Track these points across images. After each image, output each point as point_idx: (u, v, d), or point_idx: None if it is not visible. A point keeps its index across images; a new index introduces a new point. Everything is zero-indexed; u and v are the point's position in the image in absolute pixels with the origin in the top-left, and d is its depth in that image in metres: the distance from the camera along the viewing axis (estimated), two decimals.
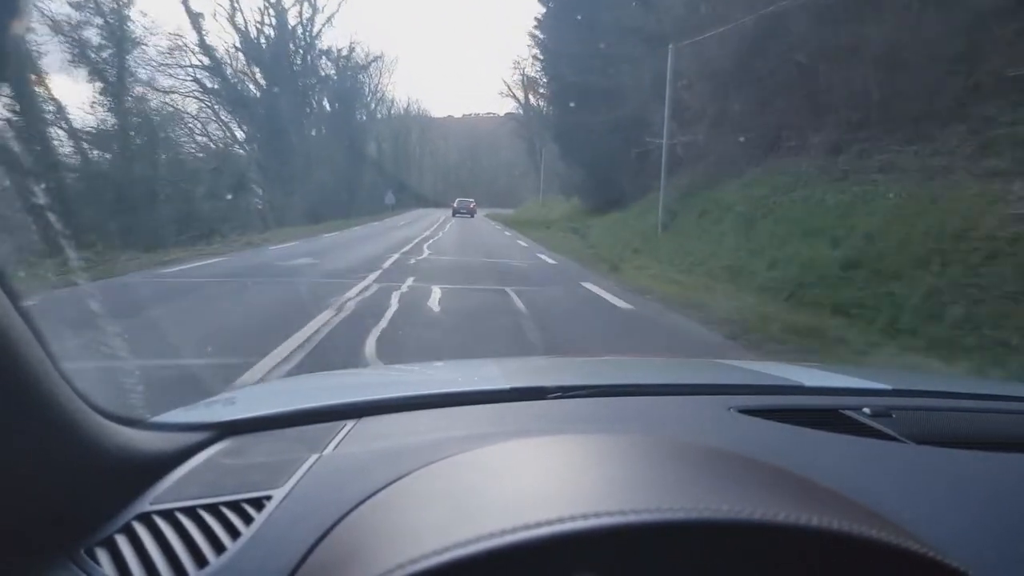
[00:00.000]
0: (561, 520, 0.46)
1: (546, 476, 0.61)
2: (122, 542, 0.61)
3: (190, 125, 32.22)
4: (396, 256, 12.53)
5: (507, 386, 1.06)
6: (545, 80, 32.93)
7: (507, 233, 24.98)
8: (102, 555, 0.59)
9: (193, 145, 30.54)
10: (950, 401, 1.15)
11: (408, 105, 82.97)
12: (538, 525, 0.45)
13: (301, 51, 35.84)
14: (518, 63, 61.78)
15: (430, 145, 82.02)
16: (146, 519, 0.64)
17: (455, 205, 43.85)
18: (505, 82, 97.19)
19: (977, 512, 0.71)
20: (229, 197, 27.42)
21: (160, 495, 0.68)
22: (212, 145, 32.36)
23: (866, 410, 0.95)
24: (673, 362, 2.47)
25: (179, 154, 25.69)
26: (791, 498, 0.56)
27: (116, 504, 0.66)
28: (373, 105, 57.23)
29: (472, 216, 42.48)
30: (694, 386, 1.18)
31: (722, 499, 0.50)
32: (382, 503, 0.60)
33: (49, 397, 0.58)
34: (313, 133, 40.15)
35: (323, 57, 38.27)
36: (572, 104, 26.15)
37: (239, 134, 34.38)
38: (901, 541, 0.49)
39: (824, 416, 0.95)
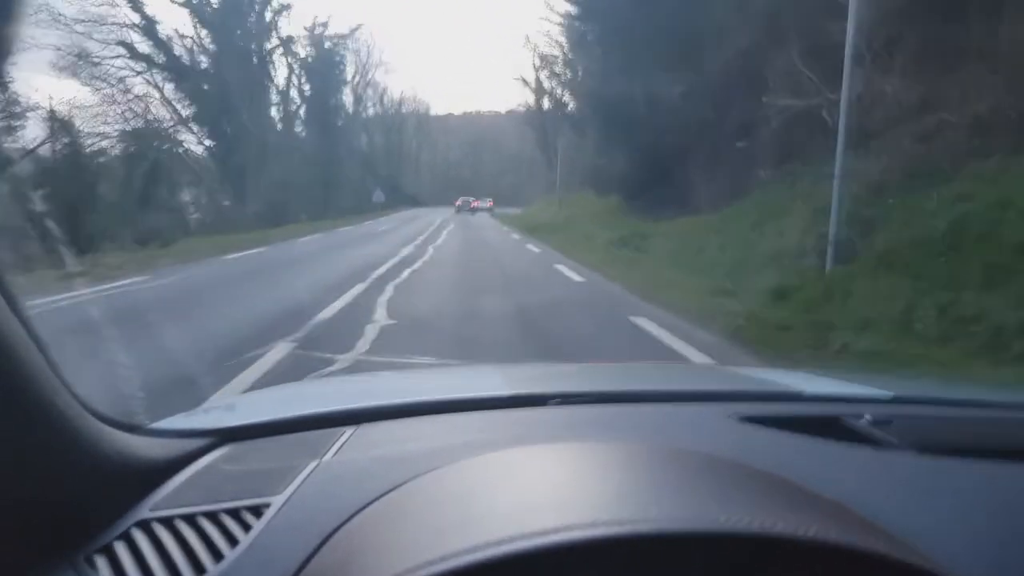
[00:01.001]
0: (560, 529, 0.45)
1: (546, 484, 0.60)
2: (121, 549, 0.60)
3: (123, 104, 24.86)
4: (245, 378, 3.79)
5: (507, 393, 1.05)
6: (578, 32, 25.08)
7: (532, 248, 16.59)
8: (101, 562, 0.59)
9: (113, 128, 23.12)
10: (952, 409, 1.13)
11: (403, 94, 76.23)
12: (538, 534, 0.45)
13: (257, 6, 28.04)
14: (529, 39, 54.24)
15: (428, 140, 75.51)
16: (145, 526, 0.63)
17: (458, 203, 44.97)
18: (520, 75, 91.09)
19: (979, 522, 0.69)
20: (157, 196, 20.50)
21: (159, 502, 0.67)
22: (153, 127, 24.91)
23: (867, 418, 0.92)
24: (674, 369, 2.52)
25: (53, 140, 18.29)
26: (791, 508, 0.56)
27: (115, 511, 0.65)
28: (361, 90, 49.90)
29: (474, 214, 42.11)
30: (695, 393, 1.16)
31: (722, 509, 0.50)
32: (381, 511, 0.60)
33: (48, 403, 0.57)
34: (275, 114, 32.42)
35: (284, 12, 30.32)
36: (618, 64, 18.82)
37: (186, 113, 26.91)
38: (901, 553, 0.49)
39: (825, 424, 0.92)
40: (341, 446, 0.79)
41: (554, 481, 0.61)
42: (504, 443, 0.74)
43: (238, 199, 25.52)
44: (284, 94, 33.29)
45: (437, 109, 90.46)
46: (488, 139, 79.17)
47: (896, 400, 1.10)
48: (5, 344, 0.53)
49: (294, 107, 34.59)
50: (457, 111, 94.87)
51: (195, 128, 25.59)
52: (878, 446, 0.85)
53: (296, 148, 33.14)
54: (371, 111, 57.19)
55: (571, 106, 38.50)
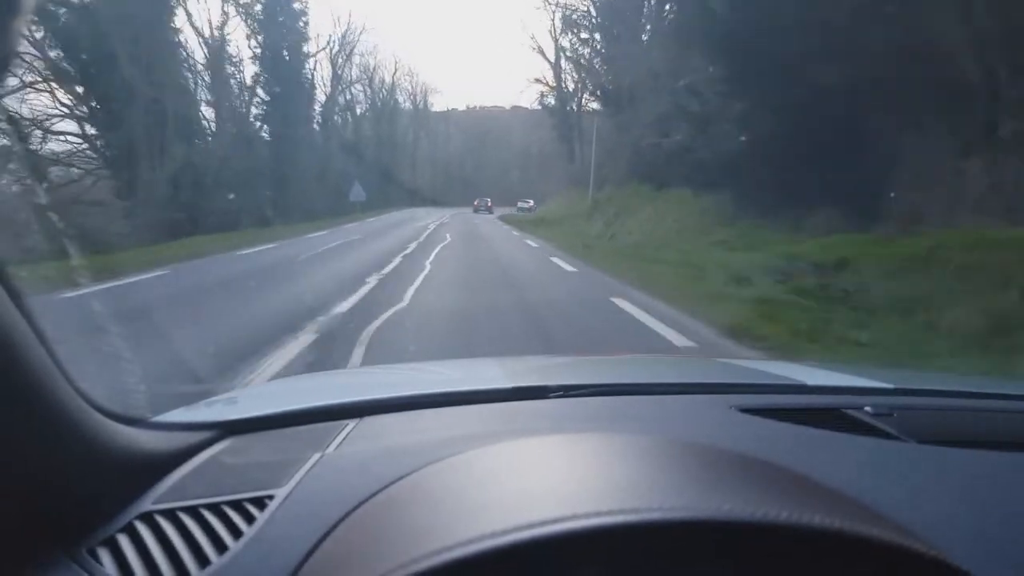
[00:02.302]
0: (562, 519, 0.46)
1: (548, 475, 0.61)
2: (124, 542, 0.60)
3: None
4: None
5: (509, 385, 1.06)
6: None
7: (642, 317, 5.95)
8: (104, 555, 0.59)
9: None
10: (952, 400, 1.13)
11: (396, 73, 67.65)
12: (540, 524, 0.45)
13: None
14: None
15: (427, 131, 67.19)
16: (148, 519, 0.63)
17: (476, 203, 45.02)
18: (536, 44, 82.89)
19: (979, 511, 0.70)
20: None
21: (162, 494, 0.67)
22: None
23: (868, 409, 0.93)
24: (675, 361, 2.44)
25: None
26: (793, 497, 0.56)
27: (118, 503, 0.65)
28: (342, 63, 41.30)
29: (490, 212, 40.97)
30: (696, 385, 1.17)
31: (724, 498, 0.51)
32: (384, 502, 0.60)
33: (51, 396, 0.57)
34: (192, 73, 23.51)
35: None
36: None
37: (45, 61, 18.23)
38: (903, 540, 0.49)
39: (826, 415, 0.94)
40: (344, 439, 0.80)
41: (556, 472, 0.61)
42: (506, 435, 0.75)
43: (122, 195, 16.93)
44: (218, 48, 24.41)
45: (438, 105, 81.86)
46: (492, 134, 72.43)
47: (897, 391, 1.10)
48: (7, 338, 0.52)
49: (231, 68, 25.81)
50: (460, 106, 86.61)
51: (50, 86, 17.00)
52: (879, 437, 0.86)
53: (235, 127, 24.50)
54: (359, 93, 48.71)
55: (603, 76, 29.99)
